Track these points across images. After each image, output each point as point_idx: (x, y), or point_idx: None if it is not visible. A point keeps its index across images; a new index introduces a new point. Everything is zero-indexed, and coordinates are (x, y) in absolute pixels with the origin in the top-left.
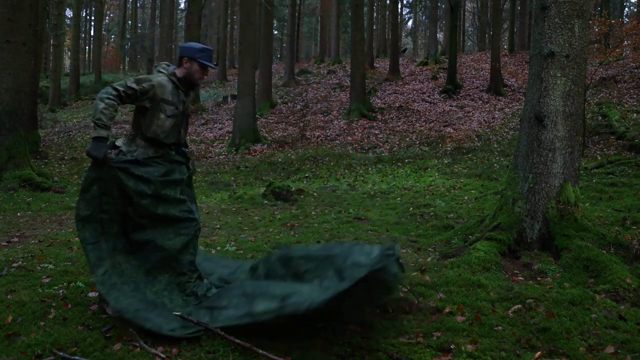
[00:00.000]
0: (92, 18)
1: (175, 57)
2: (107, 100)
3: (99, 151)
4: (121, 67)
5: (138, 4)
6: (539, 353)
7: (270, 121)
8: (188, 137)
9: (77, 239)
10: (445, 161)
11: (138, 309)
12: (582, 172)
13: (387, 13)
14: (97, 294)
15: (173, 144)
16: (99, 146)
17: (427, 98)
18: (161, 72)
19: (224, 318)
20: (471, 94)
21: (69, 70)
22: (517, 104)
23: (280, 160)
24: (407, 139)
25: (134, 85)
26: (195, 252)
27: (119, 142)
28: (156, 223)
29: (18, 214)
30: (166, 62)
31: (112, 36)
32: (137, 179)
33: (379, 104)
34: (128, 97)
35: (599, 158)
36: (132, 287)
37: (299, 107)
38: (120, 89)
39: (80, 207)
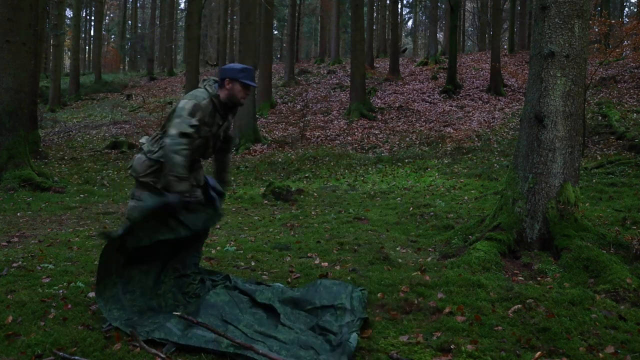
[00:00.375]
0: (92, 18)
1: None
2: (183, 151)
3: (178, 203)
4: (121, 67)
5: (138, 4)
6: (539, 353)
7: (270, 121)
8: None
9: (77, 239)
10: (445, 161)
11: (129, 318)
12: (582, 172)
13: (387, 13)
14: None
15: (196, 160)
16: (179, 199)
17: (427, 98)
18: (207, 90)
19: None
20: (471, 94)
21: (69, 70)
22: (517, 104)
23: (280, 160)
24: (407, 139)
25: (194, 122)
26: (199, 255)
27: (143, 140)
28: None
29: (18, 214)
30: (214, 78)
31: (112, 36)
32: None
33: (379, 104)
34: (198, 135)
35: (599, 158)
36: (135, 295)
37: (299, 107)
38: (190, 132)
39: (122, 234)
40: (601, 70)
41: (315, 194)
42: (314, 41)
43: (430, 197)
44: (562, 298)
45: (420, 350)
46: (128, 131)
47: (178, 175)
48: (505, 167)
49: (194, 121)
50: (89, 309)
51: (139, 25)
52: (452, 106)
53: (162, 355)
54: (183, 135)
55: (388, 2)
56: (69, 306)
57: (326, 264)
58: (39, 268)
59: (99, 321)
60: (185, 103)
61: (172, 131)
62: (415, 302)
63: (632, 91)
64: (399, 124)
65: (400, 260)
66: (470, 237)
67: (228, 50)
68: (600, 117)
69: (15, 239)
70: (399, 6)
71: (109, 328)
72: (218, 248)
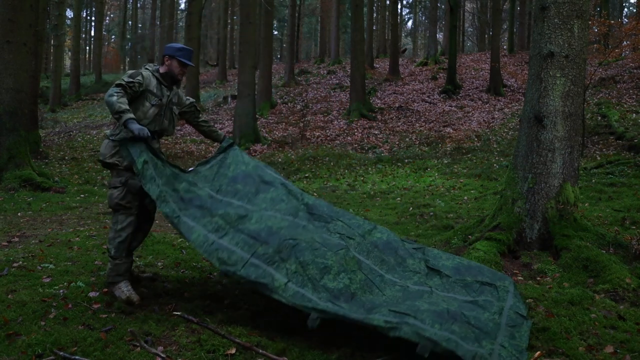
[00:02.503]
0: (93, 18)
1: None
2: (117, 93)
3: (140, 128)
4: (121, 68)
5: (138, 5)
6: (538, 353)
7: (270, 121)
8: (188, 137)
9: (77, 238)
10: (445, 161)
11: (246, 261)
12: (581, 172)
13: (387, 13)
14: (97, 293)
15: (156, 131)
16: (135, 125)
17: (426, 98)
18: (147, 68)
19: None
20: (471, 94)
21: (69, 71)
22: (517, 104)
23: (280, 160)
24: (407, 139)
25: (131, 80)
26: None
27: (107, 131)
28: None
29: (19, 214)
30: (150, 63)
31: (113, 36)
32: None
33: (378, 104)
34: (131, 89)
35: (599, 158)
36: (231, 223)
37: (299, 107)
38: (123, 82)
39: (150, 189)
40: (600, 70)
41: (315, 194)
42: (314, 41)
43: (430, 197)
44: (561, 298)
45: None
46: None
47: (117, 110)
48: (505, 167)
49: (131, 80)
50: (90, 309)
51: (140, 25)
52: (451, 106)
53: (162, 355)
54: (117, 85)
55: (388, 2)
56: (70, 306)
57: None
58: (40, 268)
59: (100, 321)
60: (127, 71)
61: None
62: None
63: (631, 91)
64: (399, 124)
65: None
66: (469, 237)
67: (228, 50)
68: (599, 117)
69: (16, 239)
70: (399, 6)
71: (109, 328)
72: None
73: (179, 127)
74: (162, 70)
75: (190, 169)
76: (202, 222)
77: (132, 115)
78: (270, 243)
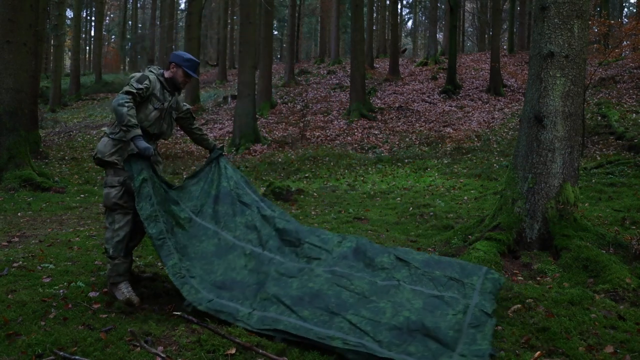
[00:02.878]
0: (93, 18)
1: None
2: (127, 104)
3: (146, 148)
4: (122, 68)
5: (138, 5)
6: (538, 353)
7: (270, 121)
8: (188, 138)
9: (77, 238)
10: (445, 161)
11: (211, 300)
12: (581, 172)
13: (387, 13)
14: (97, 293)
15: (155, 134)
16: (142, 143)
17: (426, 98)
18: (152, 71)
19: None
20: (471, 94)
21: (69, 71)
22: (517, 104)
23: (280, 160)
24: (407, 139)
25: (140, 85)
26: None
27: (105, 128)
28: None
29: (19, 214)
30: (154, 65)
31: (113, 36)
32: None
33: (378, 104)
34: (139, 97)
35: (599, 158)
36: (202, 265)
37: (299, 107)
38: (133, 90)
39: (142, 208)
40: (600, 70)
41: (315, 194)
42: (314, 41)
43: (430, 197)
44: (561, 298)
45: None
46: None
47: (127, 124)
48: (505, 167)
49: (140, 86)
50: (90, 309)
51: (139, 25)
52: (451, 106)
53: (162, 355)
54: (127, 92)
55: (388, 2)
56: (70, 306)
57: None
58: (40, 268)
59: (100, 321)
60: (135, 74)
61: (119, 93)
62: None
63: (631, 91)
64: (399, 124)
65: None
66: (469, 237)
67: (228, 50)
68: (599, 117)
69: (16, 239)
70: (399, 6)
71: (109, 328)
72: None
73: (177, 127)
74: (166, 75)
75: (178, 184)
76: (179, 255)
77: (140, 132)
78: (234, 289)
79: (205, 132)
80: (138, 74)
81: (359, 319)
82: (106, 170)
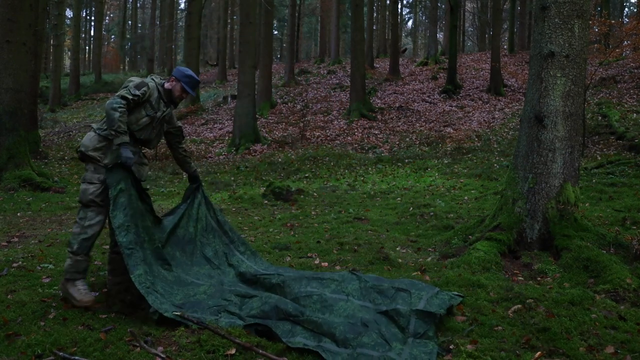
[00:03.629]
0: (92, 18)
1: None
2: (120, 109)
3: (128, 157)
4: (121, 67)
5: (138, 4)
6: (538, 353)
7: (270, 121)
8: (188, 137)
9: None
10: (445, 161)
11: (176, 311)
12: (582, 172)
13: (387, 13)
14: (97, 293)
15: (141, 139)
16: (127, 151)
17: (427, 98)
18: (153, 79)
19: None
20: (471, 94)
21: (69, 71)
22: (517, 104)
23: (280, 160)
24: (407, 139)
25: (137, 92)
26: None
27: (93, 125)
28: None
29: (18, 214)
30: (158, 75)
31: (112, 36)
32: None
33: (379, 104)
34: (134, 103)
35: (599, 158)
36: (163, 286)
37: (299, 107)
38: (129, 97)
39: (115, 216)
40: (601, 70)
41: (315, 194)
42: (314, 41)
43: (430, 197)
44: (562, 298)
45: None
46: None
47: (116, 129)
48: (505, 167)
49: (137, 92)
50: (90, 309)
51: (139, 25)
52: (452, 106)
53: (162, 356)
54: (123, 97)
55: (388, 2)
56: (69, 306)
57: (326, 264)
58: (39, 268)
59: (99, 321)
60: (134, 79)
61: (115, 95)
62: None
63: (632, 91)
64: (399, 124)
65: (400, 260)
66: (470, 237)
67: (228, 50)
68: (600, 117)
69: (16, 239)
70: (399, 6)
71: (109, 328)
72: None
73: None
74: (166, 86)
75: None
76: (144, 268)
77: (127, 139)
78: (196, 307)
79: (189, 154)
80: (138, 80)
81: (316, 326)
82: (86, 166)
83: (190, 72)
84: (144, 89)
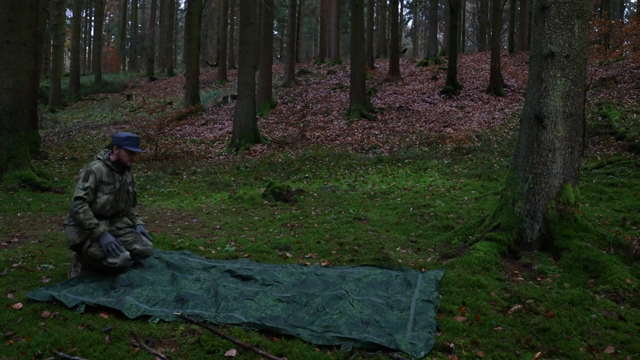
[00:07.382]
0: (92, 18)
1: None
2: (81, 209)
3: (110, 240)
4: (121, 68)
5: (138, 5)
6: (538, 353)
7: (270, 121)
8: (188, 138)
9: None
10: (445, 161)
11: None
12: (582, 172)
13: (387, 13)
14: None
15: (109, 216)
16: (104, 238)
17: (427, 98)
18: (99, 158)
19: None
20: (471, 94)
21: (69, 71)
22: (517, 104)
23: (280, 160)
24: (407, 140)
25: (86, 185)
26: None
27: (65, 221)
28: None
29: (18, 214)
30: (105, 149)
31: (112, 36)
32: None
33: (379, 105)
34: (89, 196)
35: (599, 158)
36: (157, 287)
37: (299, 107)
38: (81, 194)
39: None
40: (601, 70)
41: (315, 194)
42: (314, 41)
43: (430, 198)
44: (562, 298)
45: None
46: (128, 132)
47: (88, 228)
48: (505, 167)
49: (86, 184)
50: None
51: (139, 25)
52: (452, 106)
53: (162, 356)
54: (77, 198)
55: (388, 2)
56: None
57: (327, 262)
58: (39, 268)
59: (99, 321)
60: (80, 173)
61: (73, 198)
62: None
63: (632, 91)
64: (399, 124)
65: (400, 261)
66: (470, 237)
67: (228, 50)
68: (600, 118)
69: (16, 239)
70: (399, 6)
71: (109, 328)
72: (218, 248)
73: (178, 127)
74: (112, 158)
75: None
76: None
77: (101, 230)
78: (195, 300)
79: (138, 215)
80: (82, 172)
81: (317, 327)
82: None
83: (125, 133)
84: (90, 178)
